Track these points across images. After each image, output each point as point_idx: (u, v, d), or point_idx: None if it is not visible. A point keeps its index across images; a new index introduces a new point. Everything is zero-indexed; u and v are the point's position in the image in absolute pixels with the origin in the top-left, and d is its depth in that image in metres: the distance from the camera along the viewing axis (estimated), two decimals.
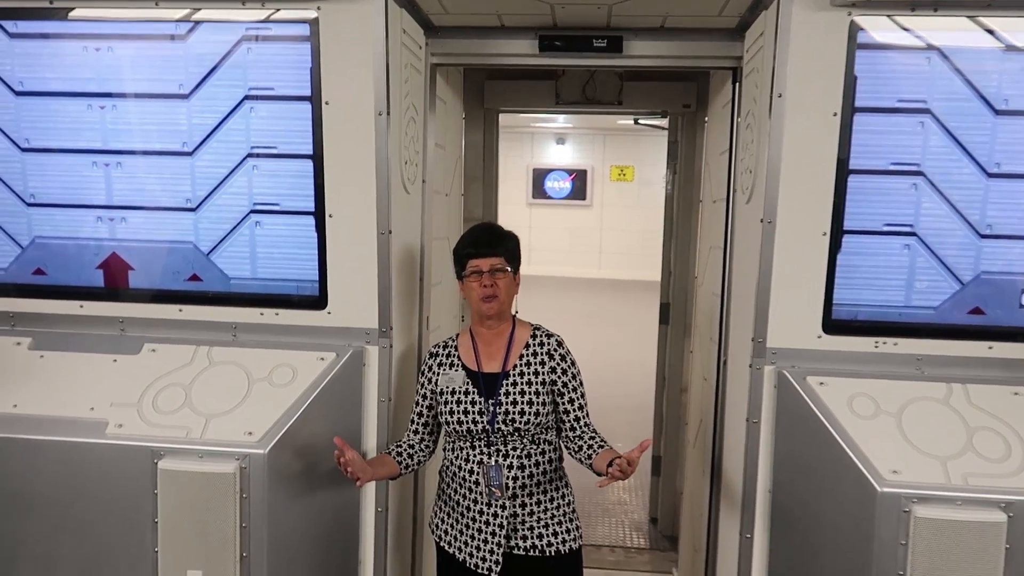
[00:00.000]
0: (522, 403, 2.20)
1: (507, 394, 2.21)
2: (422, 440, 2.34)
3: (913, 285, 2.28)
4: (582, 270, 16.29)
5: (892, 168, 2.23)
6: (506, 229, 2.33)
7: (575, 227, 16.41)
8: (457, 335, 2.37)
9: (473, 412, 2.21)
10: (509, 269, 2.27)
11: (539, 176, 16.42)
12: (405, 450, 2.31)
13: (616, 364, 8.60)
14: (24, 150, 2.44)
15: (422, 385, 2.33)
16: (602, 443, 2.22)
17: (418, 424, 2.33)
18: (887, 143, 2.22)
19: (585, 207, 16.44)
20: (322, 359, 2.35)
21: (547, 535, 2.23)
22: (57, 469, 2.23)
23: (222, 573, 2.18)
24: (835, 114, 2.19)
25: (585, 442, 2.23)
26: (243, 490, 2.16)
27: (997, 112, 2.18)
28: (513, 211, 14.43)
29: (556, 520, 2.25)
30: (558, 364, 2.25)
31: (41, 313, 2.50)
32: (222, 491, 2.15)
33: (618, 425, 6.46)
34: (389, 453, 2.30)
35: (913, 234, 2.26)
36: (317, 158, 2.34)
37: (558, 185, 16.43)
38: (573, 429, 2.26)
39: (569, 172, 16.41)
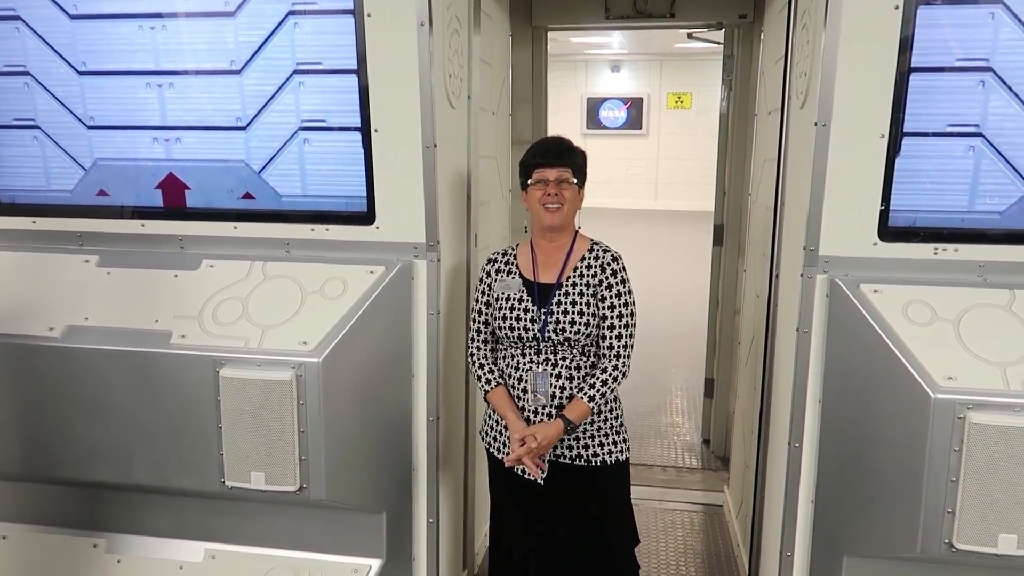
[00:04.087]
0: (572, 313, 2.21)
1: (559, 304, 2.23)
2: (494, 350, 2.38)
3: (977, 189, 2.18)
4: (638, 201, 16.05)
5: (958, 64, 2.11)
6: (574, 143, 2.31)
7: (631, 157, 16.09)
8: (517, 244, 2.39)
9: (525, 319, 2.24)
10: (575, 181, 2.26)
11: (593, 106, 16.07)
12: (497, 371, 2.34)
13: (671, 292, 8.55)
14: (81, 73, 2.50)
15: (483, 293, 2.37)
16: (592, 388, 2.20)
17: (486, 334, 2.37)
18: (953, 37, 2.09)
19: (641, 136, 16.08)
20: (371, 272, 2.40)
21: (593, 446, 2.26)
22: (127, 377, 2.36)
23: (283, 475, 2.30)
24: (897, 7, 2.06)
25: (591, 371, 2.25)
26: (300, 396, 2.25)
27: None
28: None
29: (603, 432, 2.28)
30: (608, 278, 2.25)
31: (106, 232, 2.60)
32: (280, 397, 2.25)
33: (672, 352, 6.46)
34: (490, 385, 2.32)
35: (979, 135, 2.14)
36: (362, 73, 2.34)
37: (613, 114, 16.07)
38: (596, 345, 2.27)
39: (624, 100, 16.01)
